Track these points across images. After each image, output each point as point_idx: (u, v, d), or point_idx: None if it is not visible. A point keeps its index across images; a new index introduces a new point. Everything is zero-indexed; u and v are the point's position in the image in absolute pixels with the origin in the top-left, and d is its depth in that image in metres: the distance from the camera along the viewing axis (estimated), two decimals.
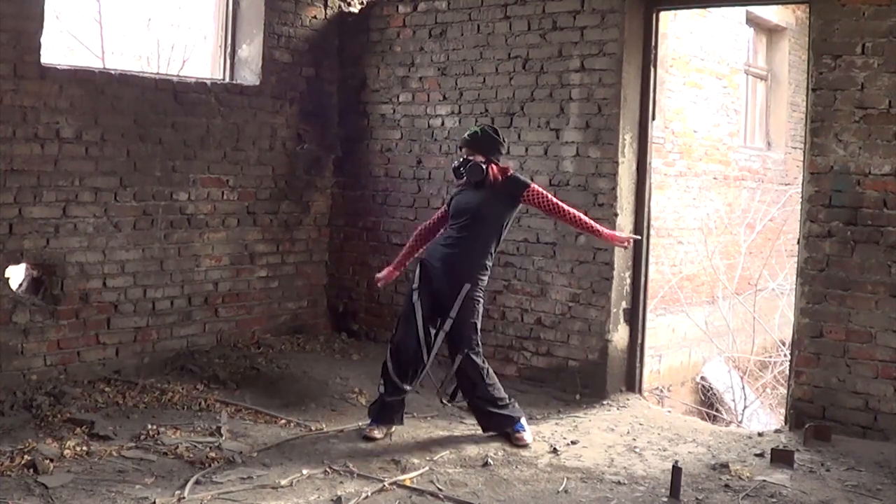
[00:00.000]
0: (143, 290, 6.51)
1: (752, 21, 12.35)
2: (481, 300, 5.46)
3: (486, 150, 5.45)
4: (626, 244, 5.74)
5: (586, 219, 5.49)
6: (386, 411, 5.43)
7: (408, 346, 5.36)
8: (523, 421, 5.45)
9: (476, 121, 6.92)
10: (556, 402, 6.22)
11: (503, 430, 5.40)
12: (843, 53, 5.38)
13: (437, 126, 7.18)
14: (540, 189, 5.48)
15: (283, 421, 5.62)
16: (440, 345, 5.41)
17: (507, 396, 5.47)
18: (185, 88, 6.73)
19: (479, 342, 5.45)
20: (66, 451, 4.81)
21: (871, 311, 5.35)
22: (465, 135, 5.56)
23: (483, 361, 5.43)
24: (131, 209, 6.40)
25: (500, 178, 5.41)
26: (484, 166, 5.38)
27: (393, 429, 5.43)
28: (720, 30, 11.35)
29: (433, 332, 5.39)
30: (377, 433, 5.34)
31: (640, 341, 6.50)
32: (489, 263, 5.45)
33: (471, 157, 5.43)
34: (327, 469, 4.80)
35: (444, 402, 5.57)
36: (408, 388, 5.39)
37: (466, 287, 5.32)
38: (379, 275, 5.83)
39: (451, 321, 5.32)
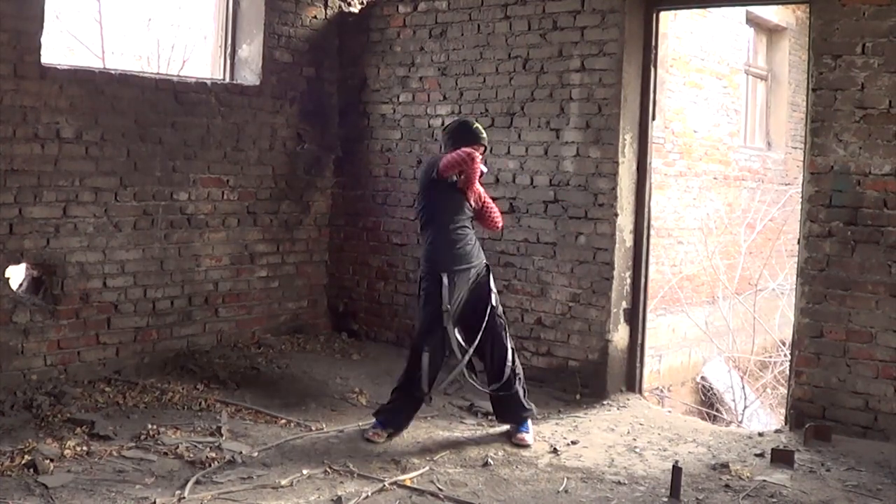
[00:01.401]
0: (144, 290, 6.51)
1: (752, 21, 12.36)
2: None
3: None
4: None
5: None
6: (399, 414, 5.42)
7: (438, 359, 5.37)
8: (529, 422, 5.46)
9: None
10: (556, 402, 6.22)
11: (517, 420, 5.41)
12: (844, 53, 5.38)
13: (438, 126, 7.16)
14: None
15: (283, 421, 5.62)
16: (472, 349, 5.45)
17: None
18: (186, 88, 6.73)
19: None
20: (66, 451, 4.81)
21: (871, 311, 5.35)
22: (483, 133, 5.56)
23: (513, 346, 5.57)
24: (131, 209, 6.40)
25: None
26: None
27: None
28: (720, 30, 11.35)
29: (461, 338, 5.44)
30: (380, 437, 5.33)
31: (640, 341, 6.50)
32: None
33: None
34: (327, 469, 4.80)
35: (470, 379, 5.55)
36: (429, 397, 5.44)
37: (487, 271, 5.49)
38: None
39: (491, 308, 5.41)
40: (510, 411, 5.45)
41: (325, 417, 5.74)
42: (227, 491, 4.44)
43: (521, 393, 5.44)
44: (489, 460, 5.04)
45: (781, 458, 5.03)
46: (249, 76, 7.24)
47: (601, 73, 6.31)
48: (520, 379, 5.47)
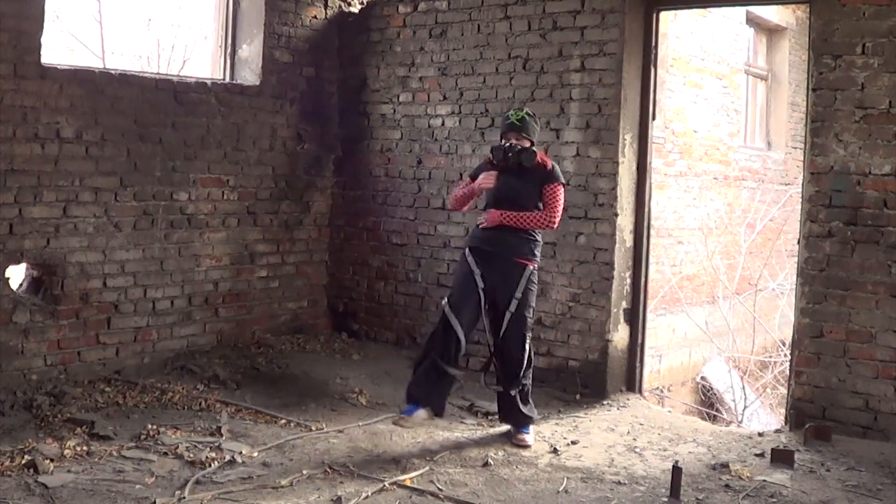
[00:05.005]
0: (144, 290, 6.51)
1: (752, 21, 12.36)
2: (536, 284, 5.46)
3: (534, 135, 5.43)
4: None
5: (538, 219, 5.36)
6: (437, 391, 5.29)
7: (458, 332, 5.22)
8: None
9: (476, 121, 6.93)
10: (556, 402, 6.22)
11: (520, 425, 5.38)
12: (844, 53, 5.39)
13: (438, 126, 7.18)
14: (558, 190, 5.35)
15: (283, 421, 5.62)
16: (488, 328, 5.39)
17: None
18: (186, 88, 6.73)
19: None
20: (66, 451, 4.80)
21: (871, 311, 5.35)
22: (514, 119, 5.36)
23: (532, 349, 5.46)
24: (131, 209, 6.39)
25: (545, 166, 5.36)
26: (536, 152, 5.33)
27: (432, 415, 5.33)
28: (720, 30, 11.35)
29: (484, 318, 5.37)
30: (407, 423, 5.24)
31: (640, 341, 6.51)
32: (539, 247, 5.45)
33: (517, 142, 5.32)
34: (327, 469, 4.80)
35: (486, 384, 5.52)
36: (453, 370, 5.29)
37: (530, 269, 5.32)
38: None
39: (516, 301, 5.25)
40: (512, 415, 5.43)
41: (325, 417, 5.73)
42: (227, 491, 4.44)
43: (523, 400, 5.39)
44: (489, 460, 5.04)
45: (781, 458, 5.03)
46: (249, 76, 7.24)
47: (601, 73, 6.31)
48: (528, 388, 5.41)
